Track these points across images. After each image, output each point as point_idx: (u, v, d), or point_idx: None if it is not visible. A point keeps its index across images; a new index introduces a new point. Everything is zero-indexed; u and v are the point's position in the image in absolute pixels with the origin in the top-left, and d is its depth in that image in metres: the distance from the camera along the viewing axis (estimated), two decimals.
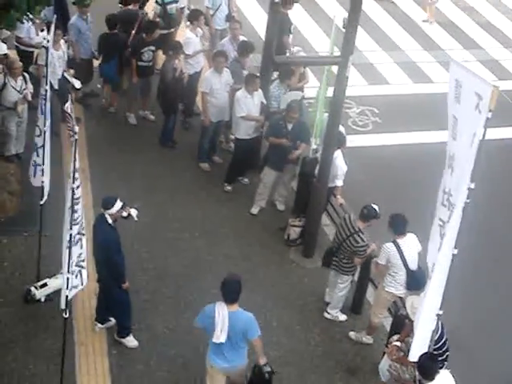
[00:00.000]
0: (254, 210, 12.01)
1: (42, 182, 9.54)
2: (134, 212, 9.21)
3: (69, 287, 8.06)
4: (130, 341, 9.43)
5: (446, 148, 7.47)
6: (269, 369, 8.27)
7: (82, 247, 8.13)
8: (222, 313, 7.99)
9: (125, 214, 9.10)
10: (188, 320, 9.86)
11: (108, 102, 13.94)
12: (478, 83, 6.80)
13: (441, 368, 7.88)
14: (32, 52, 13.19)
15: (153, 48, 13.18)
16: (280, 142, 11.46)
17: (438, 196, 7.57)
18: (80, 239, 8.02)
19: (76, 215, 7.82)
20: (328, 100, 11.54)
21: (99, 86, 14.21)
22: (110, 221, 8.83)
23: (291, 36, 14.55)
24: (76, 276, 8.12)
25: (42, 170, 9.50)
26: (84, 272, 8.29)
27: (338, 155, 10.96)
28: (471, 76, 6.95)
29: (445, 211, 7.38)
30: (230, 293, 7.99)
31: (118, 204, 8.83)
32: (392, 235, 9.31)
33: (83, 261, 8.20)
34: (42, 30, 12.88)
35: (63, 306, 8.12)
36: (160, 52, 13.77)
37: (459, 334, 9.62)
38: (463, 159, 7.03)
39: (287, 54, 13.70)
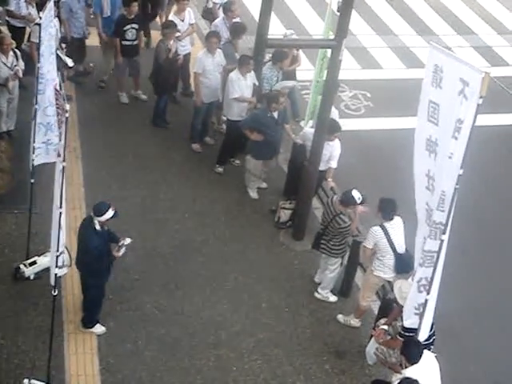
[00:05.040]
0: (254, 195, 11.96)
1: (33, 159, 9.48)
2: (127, 241, 8.81)
3: (58, 265, 8.06)
4: (98, 327, 9.29)
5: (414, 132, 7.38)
6: None
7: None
8: None
9: (121, 242, 8.75)
10: (177, 300, 9.90)
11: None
12: (462, 69, 6.67)
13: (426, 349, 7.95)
14: (24, 28, 13.12)
15: (136, 26, 13.06)
16: (255, 137, 11.36)
17: (416, 180, 7.45)
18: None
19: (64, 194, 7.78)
20: (322, 83, 11.53)
21: (91, 65, 14.13)
22: (97, 227, 8.55)
23: None
24: (62, 255, 8.11)
25: (33, 148, 9.43)
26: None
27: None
28: (454, 61, 6.80)
29: (429, 195, 7.30)
30: None
31: (110, 213, 8.49)
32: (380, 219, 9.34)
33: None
34: (32, 7, 12.87)
35: (52, 282, 8.12)
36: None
37: (448, 319, 9.67)
38: (446, 145, 6.94)
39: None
